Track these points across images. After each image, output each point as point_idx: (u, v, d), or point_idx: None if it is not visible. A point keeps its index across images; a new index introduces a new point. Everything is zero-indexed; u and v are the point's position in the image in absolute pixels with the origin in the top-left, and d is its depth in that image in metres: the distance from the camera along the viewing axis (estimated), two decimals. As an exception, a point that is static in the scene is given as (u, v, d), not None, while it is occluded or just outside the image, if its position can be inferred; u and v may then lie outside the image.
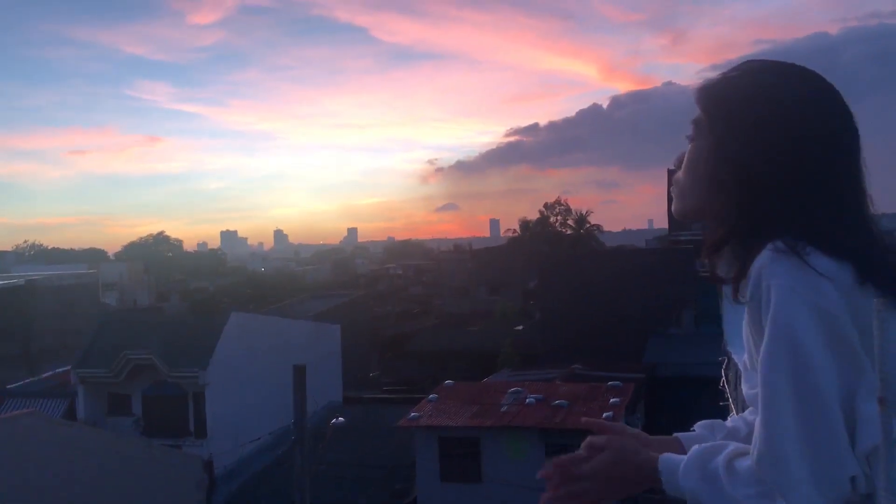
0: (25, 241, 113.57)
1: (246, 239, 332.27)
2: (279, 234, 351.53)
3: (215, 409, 29.05)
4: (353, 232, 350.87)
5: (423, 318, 61.24)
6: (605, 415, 19.53)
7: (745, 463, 1.31)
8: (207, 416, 29.17)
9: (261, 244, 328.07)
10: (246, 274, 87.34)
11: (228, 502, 24.94)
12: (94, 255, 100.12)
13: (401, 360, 48.53)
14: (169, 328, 32.72)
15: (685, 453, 1.43)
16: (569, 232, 69.53)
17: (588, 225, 69.95)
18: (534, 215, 72.89)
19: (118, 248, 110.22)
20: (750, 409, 1.55)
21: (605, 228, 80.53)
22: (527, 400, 24.25)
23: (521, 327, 47.03)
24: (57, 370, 35.71)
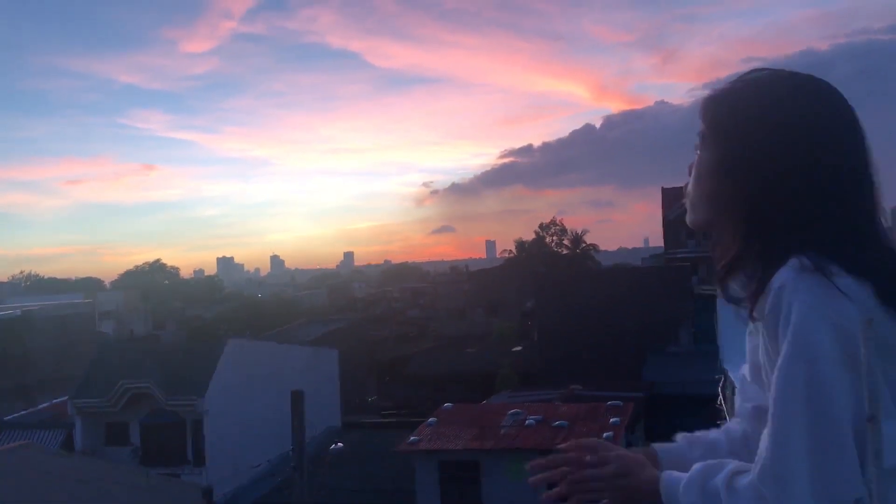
0: (22, 272, 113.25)
1: (242, 265, 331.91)
2: (275, 260, 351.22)
3: (213, 436, 28.89)
4: (349, 256, 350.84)
5: (421, 341, 61.00)
6: (605, 434, 19.45)
7: (744, 480, 1.30)
8: (206, 443, 29.01)
9: (257, 270, 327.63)
10: (243, 300, 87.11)
11: (228, 531, 24.73)
12: (90, 285, 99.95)
13: (399, 383, 48.30)
14: (166, 356, 32.58)
15: (658, 465, 1.47)
16: (565, 252, 69.57)
17: (584, 245, 70.02)
18: (530, 236, 73.02)
19: (115, 277, 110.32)
20: (733, 419, 1.56)
21: (601, 248, 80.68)
22: (526, 421, 24.13)
23: (519, 348, 46.88)
24: (54, 401, 35.52)
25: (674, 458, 1.54)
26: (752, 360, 1.43)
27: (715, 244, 1.47)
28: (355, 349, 46.81)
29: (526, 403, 27.37)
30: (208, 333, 51.66)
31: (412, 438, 24.28)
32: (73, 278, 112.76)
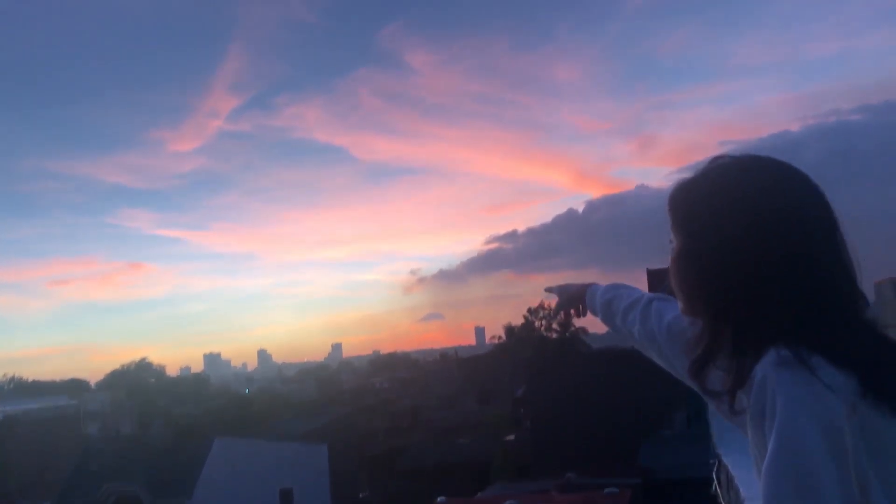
0: (5, 375, 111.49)
1: (229, 360, 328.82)
2: (263, 354, 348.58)
3: (201, 539, 28.08)
4: (337, 347, 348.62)
5: (412, 433, 60.15)
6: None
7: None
8: (193, 547, 28.17)
9: (245, 364, 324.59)
10: (230, 397, 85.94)
11: None
12: (75, 386, 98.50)
13: (391, 477, 47.38)
14: (152, 457, 31.93)
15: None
16: (554, 336, 69.41)
17: (573, 328, 69.92)
18: (518, 321, 72.87)
19: (101, 377, 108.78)
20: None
21: (590, 330, 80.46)
22: (522, 512, 23.62)
23: (511, 437, 46.25)
24: (36, 507, 34.54)
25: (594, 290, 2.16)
26: (754, 459, 1.35)
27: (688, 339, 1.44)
28: (345, 443, 46.01)
29: (521, 494, 26.83)
30: (195, 432, 50.69)
31: (406, 534, 23.67)
32: (58, 380, 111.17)
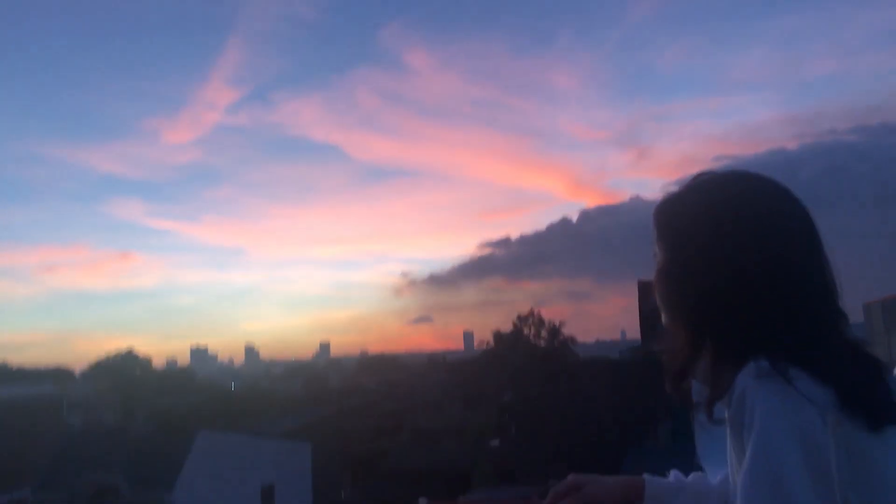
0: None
1: (216, 355, 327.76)
2: (250, 350, 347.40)
3: (180, 533, 27.95)
4: (325, 346, 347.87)
5: (396, 435, 60.11)
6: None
7: None
8: (172, 541, 28.04)
9: (231, 359, 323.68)
10: (215, 391, 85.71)
11: None
12: (59, 374, 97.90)
13: (374, 478, 47.35)
14: (134, 449, 31.79)
15: (641, 498, 1.52)
16: (542, 344, 69.40)
17: (561, 336, 69.92)
18: (507, 327, 72.70)
19: (85, 366, 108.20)
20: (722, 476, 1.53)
21: (579, 339, 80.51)
22: (503, 519, 23.63)
23: (496, 442, 46.27)
24: (14, 495, 34.27)
25: (658, 494, 1.54)
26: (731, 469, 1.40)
27: (668, 349, 1.45)
28: (329, 442, 45.96)
29: (503, 499, 26.84)
30: (179, 425, 50.52)
31: (386, 536, 23.64)
32: (43, 367, 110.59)
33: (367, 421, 63.06)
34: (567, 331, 71.47)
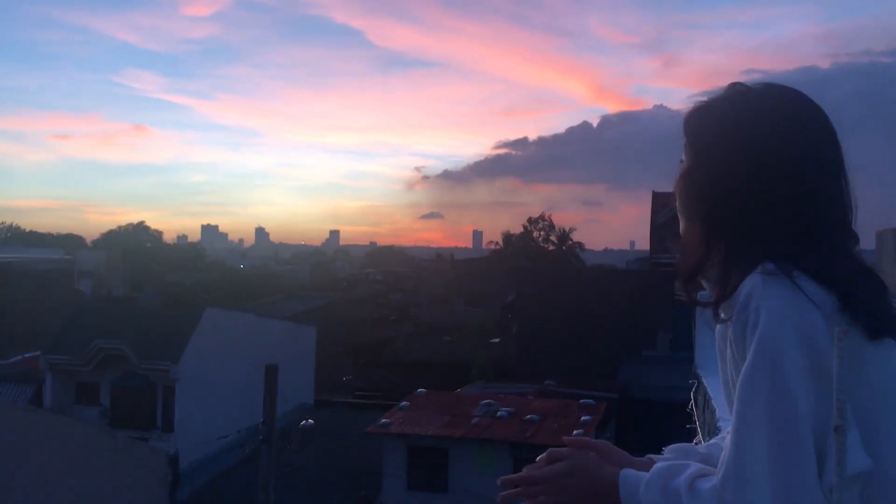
0: (3, 223, 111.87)
1: (227, 234, 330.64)
2: (260, 232, 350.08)
3: (184, 404, 28.83)
4: (335, 234, 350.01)
5: (400, 326, 61.11)
6: (575, 432, 19.52)
7: (706, 484, 1.30)
8: (176, 410, 28.95)
9: (241, 241, 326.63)
10: (224, 270, 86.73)
11: (192, 499, 24.70)
12: (71, 241, 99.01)
13: (375, 366, 48.41)
14: (142, 320, 32.43)
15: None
16: (551, 248, 69.67)
17: (570, 242, 70.14)
18: (517, 229, 73.05)
19: (97, 236, 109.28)
20: (723, 435, 1.54)
21: (587, 246, 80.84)
22: (498, 413, 24.24)
23: (497, 340, 47.04)
24: (26, 355, 35.29)
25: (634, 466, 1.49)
26: (723, 378, 1.42)
27: (682, 249, 1.49)
28: (334, 328, 46.81)
29: (499, 395, 27.47)
30: (187, 300, 51.36)
31: (383, 421, 24.34)
32: (55, 233, 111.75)
33: (372, 310, 64.04)
34: (576, 237, 71.82)
